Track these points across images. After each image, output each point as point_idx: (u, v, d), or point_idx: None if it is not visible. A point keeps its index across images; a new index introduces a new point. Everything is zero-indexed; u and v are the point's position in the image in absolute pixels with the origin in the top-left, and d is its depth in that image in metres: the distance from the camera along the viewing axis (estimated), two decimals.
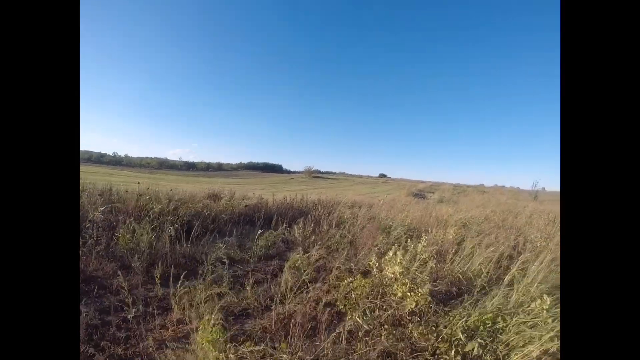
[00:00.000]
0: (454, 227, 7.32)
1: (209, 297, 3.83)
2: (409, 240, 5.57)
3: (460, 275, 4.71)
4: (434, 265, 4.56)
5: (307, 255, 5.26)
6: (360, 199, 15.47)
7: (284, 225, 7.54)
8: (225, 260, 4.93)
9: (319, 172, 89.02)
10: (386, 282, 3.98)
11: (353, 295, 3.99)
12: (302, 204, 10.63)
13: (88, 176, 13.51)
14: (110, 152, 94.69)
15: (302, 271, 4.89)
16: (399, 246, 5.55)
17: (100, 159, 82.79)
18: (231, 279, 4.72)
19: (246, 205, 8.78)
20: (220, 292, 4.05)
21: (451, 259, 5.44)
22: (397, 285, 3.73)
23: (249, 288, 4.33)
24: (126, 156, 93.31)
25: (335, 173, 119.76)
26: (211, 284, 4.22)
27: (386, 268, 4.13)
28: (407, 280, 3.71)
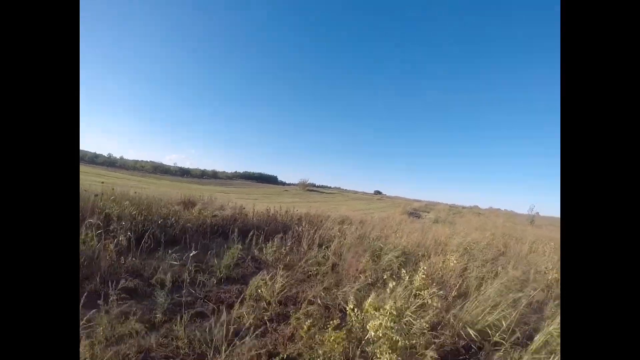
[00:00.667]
0: (455, 253, 6.33)
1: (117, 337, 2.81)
2: (402, 270, 4.54)
3: (470, 331, 3.62)
4: (436, 305, 3.51)
5: (273, 281, 4.25)
6: (353, 215, 14.47)
7: (260, 241, 6.51)
8: (169, 282, 3.89)
9: (314, 185, 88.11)
10: (368, 339, 2.93)
11: (320, 352, 2.94)
12: (286, 217, 9.61)
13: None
14: (105, 153, 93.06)
15: (266, 302, 3.87)
16: (391, 275, 4.57)
17: (94, 159, 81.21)
18: (169, 308, 3.71)
19: (214, 216, 7.71)
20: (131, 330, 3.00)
21: (455, 297, 4.42)
22: (382, 349, 2.68)
23: (181, 326, 3.30)
24: (121, 158, 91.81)
25: (330, 187, 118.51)
26: (119, 317, 3.21)
27: (369, 314, 3.06)
28: (396, 336, 2.66)
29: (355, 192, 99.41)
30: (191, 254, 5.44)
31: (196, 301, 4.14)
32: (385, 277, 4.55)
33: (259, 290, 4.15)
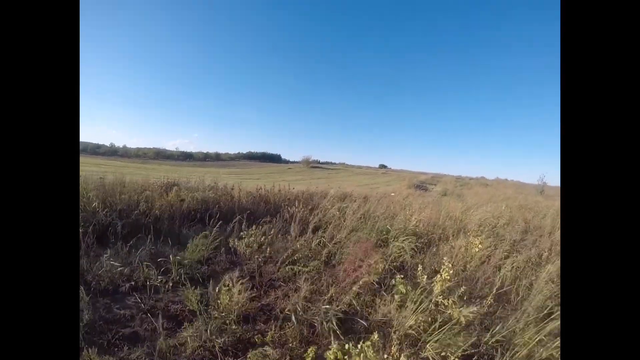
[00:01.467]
0: (477, 234, 5.20)
1: None
2: (416, 266, 3.48)
3: None
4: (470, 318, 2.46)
5: (241, 283, 3.19)
6: (357, 191, 13.34)
7: (242, 227, 5.44)
8: (107, 288, 2.86)
9: (319, 162, 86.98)
10: None
11: None
12: (279, 196, 8.48)
13: None
14: (107, 143, 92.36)
15: (218, 317, 2.82)
16: (403, 277, 3.48)
17: (96, 150, 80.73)
18: (97, 327, 2.80)
19: (182, 200, 6.61)
20: None
21: (492, 304, 3.32)
22: None
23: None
24: (124, 147, 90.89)
25: (334, 163, 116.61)
26: None
27: None
28: None
29: (360, 167, 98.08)
30: (150, 248, 4.44)
31: (136, 316, 3.10)
32: (394, 281, 3.44)
33: (218, 301, 3.09)
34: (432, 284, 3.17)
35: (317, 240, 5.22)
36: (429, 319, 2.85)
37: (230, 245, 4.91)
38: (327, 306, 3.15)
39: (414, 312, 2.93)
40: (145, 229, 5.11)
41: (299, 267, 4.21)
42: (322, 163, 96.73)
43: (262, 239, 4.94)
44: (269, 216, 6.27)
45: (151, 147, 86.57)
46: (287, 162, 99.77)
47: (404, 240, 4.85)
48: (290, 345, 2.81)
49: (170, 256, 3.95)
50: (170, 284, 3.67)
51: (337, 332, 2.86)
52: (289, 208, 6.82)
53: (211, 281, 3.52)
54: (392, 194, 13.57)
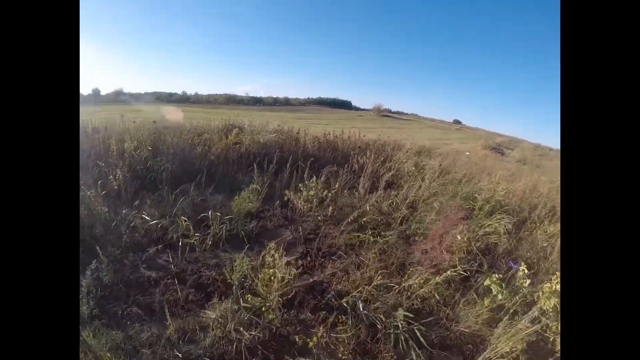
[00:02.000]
0: None
1: None
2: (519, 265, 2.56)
3: None
4: None
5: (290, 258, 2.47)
6: (429, 145, 11.97)
7: (305, 177, 4.67)
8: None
9: (390, 111, 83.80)
10: None
11: None
12: (348, 143, 7.55)
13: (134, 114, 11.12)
14: (179, 92, 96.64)
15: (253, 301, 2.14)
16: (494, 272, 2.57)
17: (169, 99, 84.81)
18: (105, 297, 2.34)
19: (236, 143, 5.95)
20: None
21: None
22: None
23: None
24: (196, 94, 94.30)
25: (406, 114, 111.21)
26: None
27: None
28: None
29: (433, 120, 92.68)
30: (197, 197, 3.84)
31: (161, 281, 2.53)
32: (486, 280, 2.53)
33: (260, 275, 2.38)
34: (537, 293, 2.39)
35: (390, 201, 4.30)
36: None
37: (284, 199, 4.18)
38: (396, 298, 2.32)
39: (510, 334, 2.16)
40: (199, 174, 4.55)
41: (367, 236, 3.37)
42: (394, 112, 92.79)
43: (325, 193, 4.12)
44: (336, 165, 5.42)
45: (222, 93, 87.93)
46: (357, 109, 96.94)
47: (499, 218, 3.76)
48: (341, 356, 2.06)
49: (210, 211, 3.30)
50: (209, 242, 3.05)
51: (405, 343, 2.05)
52: (358, 158, 5.92)
53: (256, 247, 2.81)
54: (467, 153, 12.03)
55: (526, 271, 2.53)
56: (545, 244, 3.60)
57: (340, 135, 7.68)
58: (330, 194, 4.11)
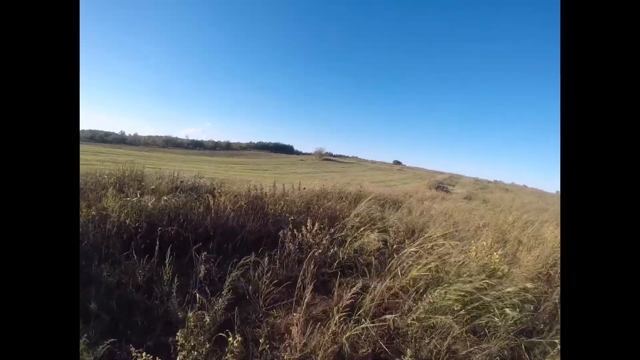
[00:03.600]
0: None
1: None
2: None
3: None
4: None
5: None
6: (376, 191, 10.56)
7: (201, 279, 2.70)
8: None
9: (331, 155, 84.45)
10: None
11: None
12: (283, 204, 5.48)
13: None
14: (117, 131, 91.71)
15: None
16: None
17: (104, 138, 79.47)
18: None
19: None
20: None
21: None
22: None
23: None
24: (135, 135, 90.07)
25: (347, 157, 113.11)
26: None
27: None
28: None
29: (374, 162, 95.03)
30: None
31: None
32: None
33: None
34: None
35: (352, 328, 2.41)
36: None
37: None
38: None
39: None
40: None
41: None
42: (335, 156, 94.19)
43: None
44: (262, 244, 3.46)
45: (162, 135, 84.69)
46: (299, 153, 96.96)
47: None
48: None
49: None
50: None
51: None
52: (295, 230, 3.95)
53: None
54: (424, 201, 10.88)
55: None
56: None
57: (271, 193, 5.70)
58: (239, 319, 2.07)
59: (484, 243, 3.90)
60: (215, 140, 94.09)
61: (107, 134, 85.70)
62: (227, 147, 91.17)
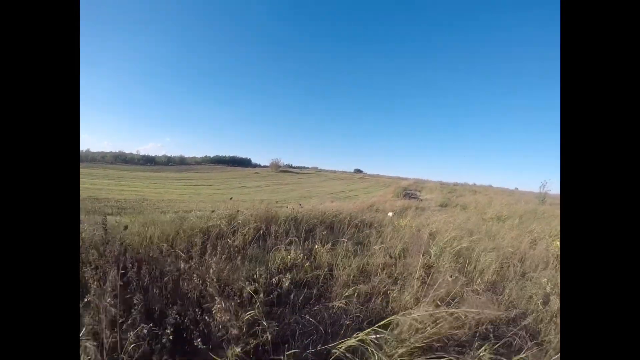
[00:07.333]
0: None
1: None
2: None
3: None
4: None
5: None
6: (330, 207, 8.60)
7: None
8: None
9: (291, 166, 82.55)
10: None
11: None
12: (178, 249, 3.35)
13: None
14: None
15: None
16: None
17: None
18: None
19: None
20: None
21: None
22: None
23: None
24: (87, 150, 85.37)
25: (307, 168, 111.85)
26: None
27: None
28: None
29: (334, 172, 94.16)
30: None
31: None
32: None
33: None
34: None
35: None
36: None
37: None
38: None
39: None
40: None
41: None
42: (294, 167, 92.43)
43: None
44: None
45: (117, 150, 79.91)
46: (257, 165, 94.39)
47: None
48: None
49: None
50: None
51: None
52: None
53: None
54: (390, 214, 9.07)
55: None
56: None
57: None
58: None
59: None
60: (169, 155, 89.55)
61: None
62: (181, 162, 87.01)
